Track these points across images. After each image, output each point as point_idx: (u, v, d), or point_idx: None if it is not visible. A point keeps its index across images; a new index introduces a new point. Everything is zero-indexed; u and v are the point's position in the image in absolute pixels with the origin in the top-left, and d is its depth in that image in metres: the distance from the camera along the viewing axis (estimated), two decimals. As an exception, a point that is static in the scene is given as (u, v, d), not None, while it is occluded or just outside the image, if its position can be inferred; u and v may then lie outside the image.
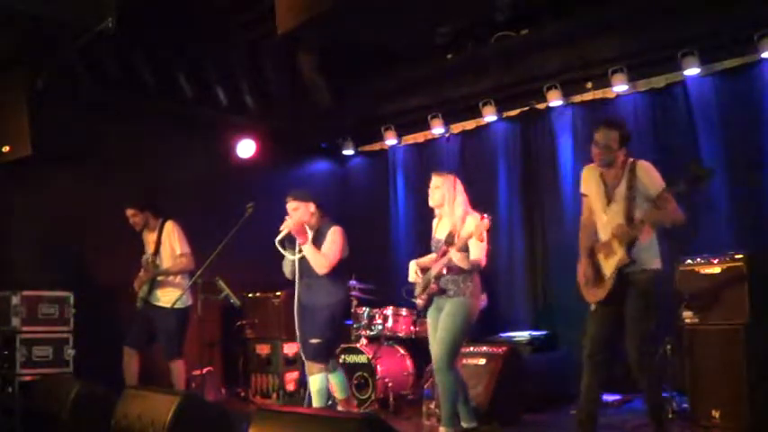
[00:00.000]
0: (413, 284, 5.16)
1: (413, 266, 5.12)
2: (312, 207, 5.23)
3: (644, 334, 4.24)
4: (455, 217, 4.87)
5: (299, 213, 5.14)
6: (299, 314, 5.20)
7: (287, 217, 5.15)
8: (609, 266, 4.28)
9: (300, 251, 5.14)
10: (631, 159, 4.35)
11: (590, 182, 4.50)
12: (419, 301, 5.07)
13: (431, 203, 5.04)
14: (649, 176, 4.27)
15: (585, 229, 4.51)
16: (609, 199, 4.35)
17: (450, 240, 4.80)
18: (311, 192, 5.35)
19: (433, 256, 5.07)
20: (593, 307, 4.41)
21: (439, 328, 4.85)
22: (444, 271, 4.84)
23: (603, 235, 4.37)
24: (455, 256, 4.70)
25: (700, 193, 6.43)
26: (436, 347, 4.84)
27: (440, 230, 5.04)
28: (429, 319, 5.03)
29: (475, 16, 6.83)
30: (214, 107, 7.63)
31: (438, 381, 4.85)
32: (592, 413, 4.37)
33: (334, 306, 5.21)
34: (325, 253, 5.13)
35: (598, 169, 4.45)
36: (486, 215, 4.60)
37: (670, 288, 5.97)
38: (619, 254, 4.21)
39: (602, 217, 4.36)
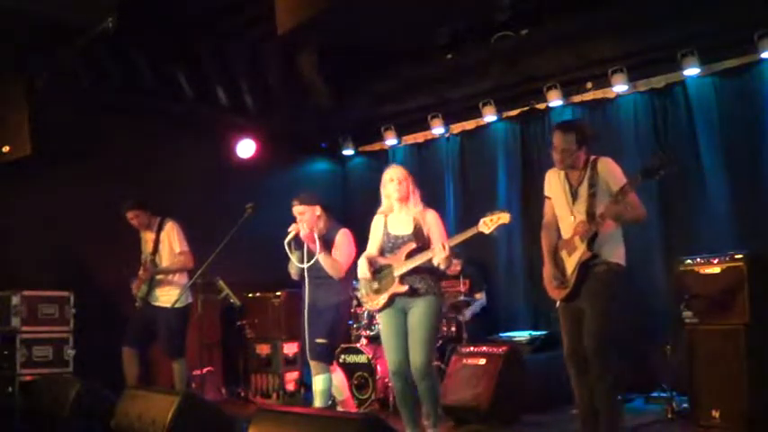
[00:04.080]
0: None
1: (364, 263, 4.70)
2: (318, 210, 5.22)
3: (602, 333, 4.09)
4: (415, 212, 4.66)
5: (306, 217, 5.13)
6: (308, 314, 5.19)
7: (296, 223, 5.15)
8: (571, 263, 4.23)
9: (310, 257, 5.10)
10: (593, 157, 4.30)
11: (553, 184, 4.45)
12: (373, 304, 4.66)
13: (396, 196, 4.64)
14: (610, 172, 4.21)
15: (547, 231, 4.46)
16: (574, 198, 4.30)
17: (419, 236, 4.58)
18: (316, 195, 5.32)
19: (377, 253, 4.74)
20: (558, 304, 4.35)
21: (415, 331, 4.48)
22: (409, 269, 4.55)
23: (567, 235, 4.31)
24: (439, 256, 4.39)
25: (700, 193, 6.46)
26: (417, 353, 4.44)
27: (394, 226, 4.72)
28: (388, 322, 4.61)
29: (475, 16, 6.82)
30: (214, 107, 7.63)
31: (424, 386, 4.49)
32: (590, 410, 4.22)
33: (341, 305, 5.26)
34: (339, 259, 5.15)
35: (562, 171, 4.39)
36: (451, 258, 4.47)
37: (670, 288, 6.01)
38: (580, 249, 4.17)
39: (569, 217, 4.30)
